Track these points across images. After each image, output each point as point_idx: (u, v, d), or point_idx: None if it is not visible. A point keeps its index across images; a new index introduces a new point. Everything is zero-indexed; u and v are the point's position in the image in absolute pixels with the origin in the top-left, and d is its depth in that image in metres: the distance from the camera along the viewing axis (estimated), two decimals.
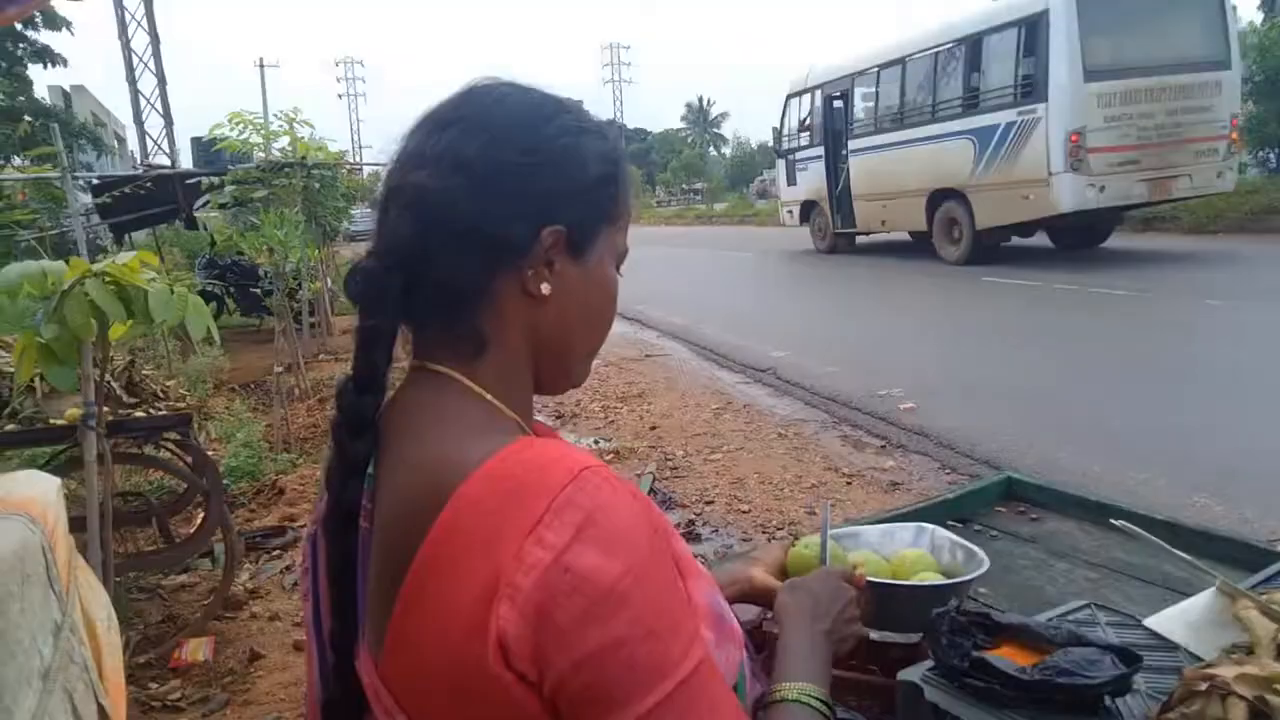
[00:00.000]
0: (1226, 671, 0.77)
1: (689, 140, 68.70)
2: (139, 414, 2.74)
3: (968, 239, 10.61)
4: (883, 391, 5.17)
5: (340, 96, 71.44)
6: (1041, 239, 11.37)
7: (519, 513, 0.62)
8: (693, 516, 3.59)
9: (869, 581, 1.01)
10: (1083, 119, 8.99)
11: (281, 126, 6.77)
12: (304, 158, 6.81)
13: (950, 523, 1.76)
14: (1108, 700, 0.88)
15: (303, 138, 6.94)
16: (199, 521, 3.05)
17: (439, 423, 0.72)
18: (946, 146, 10.78)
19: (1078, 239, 10.94)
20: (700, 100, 72.18)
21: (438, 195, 0.72)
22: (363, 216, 14.76)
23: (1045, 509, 1.82)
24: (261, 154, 6.64)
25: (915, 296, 9.25)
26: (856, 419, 4.82)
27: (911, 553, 1.17)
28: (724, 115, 72.54)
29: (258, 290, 8.75)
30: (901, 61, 11.78)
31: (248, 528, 3.67)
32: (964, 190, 10.47)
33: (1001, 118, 9.90)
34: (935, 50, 11.11)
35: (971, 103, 10.51)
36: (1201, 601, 1.01)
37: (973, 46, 10.47)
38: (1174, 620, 1.01)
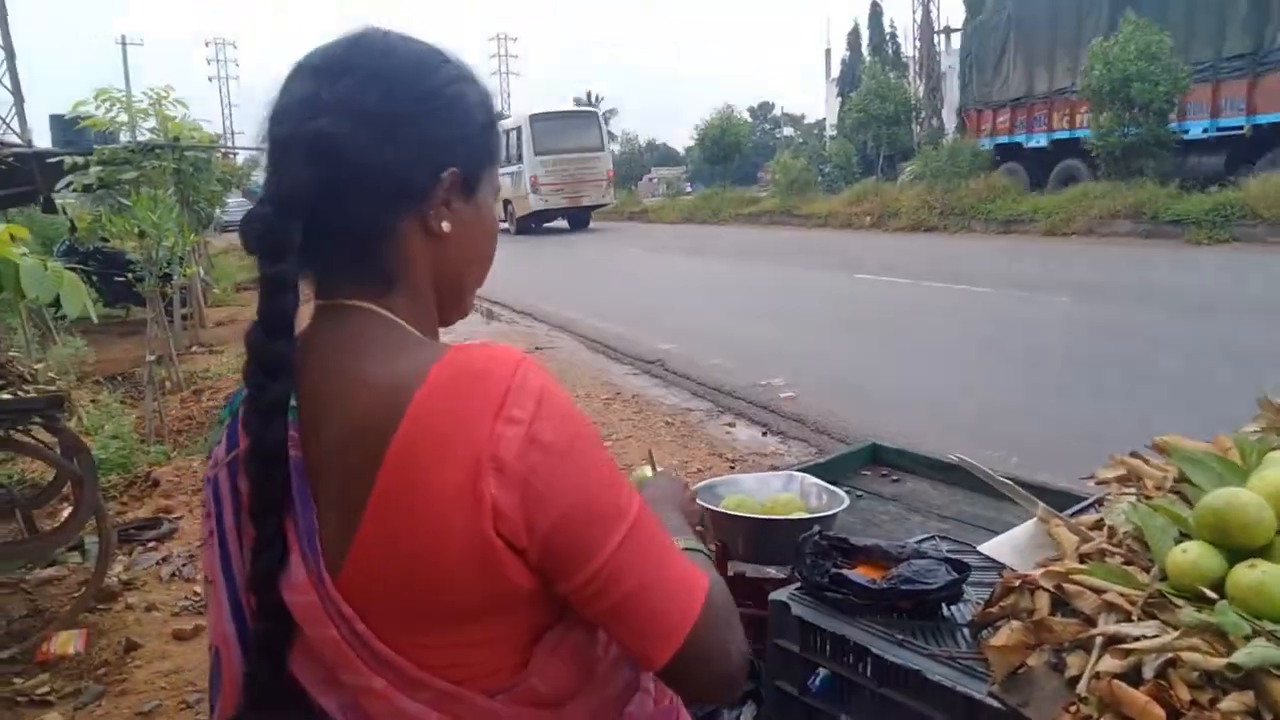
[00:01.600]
0: (1035, 571, 0.92)
1: None
2: (4, 396, 2.58)
3: (514, 224, 22.21)
4: (764, 382, 5.39)
5: (210, 80, 67.14)
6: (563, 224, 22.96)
7: (483, 400, 0.71)
8: None
9: (747, 518, 1.13)
10: (536, 171, 21.60)
11: (149, 105, 6.41)
12: (177, 138, 6.48)
13: None
14: (944, 609, 1.02)
15: (175, 118, 6.60)
16: (66, 515, 2.90)
17: (374, 346, 0.78)
18: (507, 178, 21.68)
19: (579, 224, 23.14)
20: (588, 95, 71.91)
21: (342, 142, 0.76)
22: (237, 207, 14.10)
23: (905, 472, 2.00)
24: (127, 135, 6.26)
25: (778, 291, 9.73)
26: (740, 408, 5.02)
27: (783, 496, 1.30)
28: (612, 112, 72.35)
29: (124, 279, 8.22)
30: (505, 131, 21.34)
31: (120, 520, 3.51)
32: (510, 200, 21.90)
33: (517, 167, 21.87)
34: (506, 130, 21.20)
35: (510, 158, 21.84)
36: (1024, 529, 1.17)
37: (510, 133, 21.68)
38: (1002, 545, 1.16)
